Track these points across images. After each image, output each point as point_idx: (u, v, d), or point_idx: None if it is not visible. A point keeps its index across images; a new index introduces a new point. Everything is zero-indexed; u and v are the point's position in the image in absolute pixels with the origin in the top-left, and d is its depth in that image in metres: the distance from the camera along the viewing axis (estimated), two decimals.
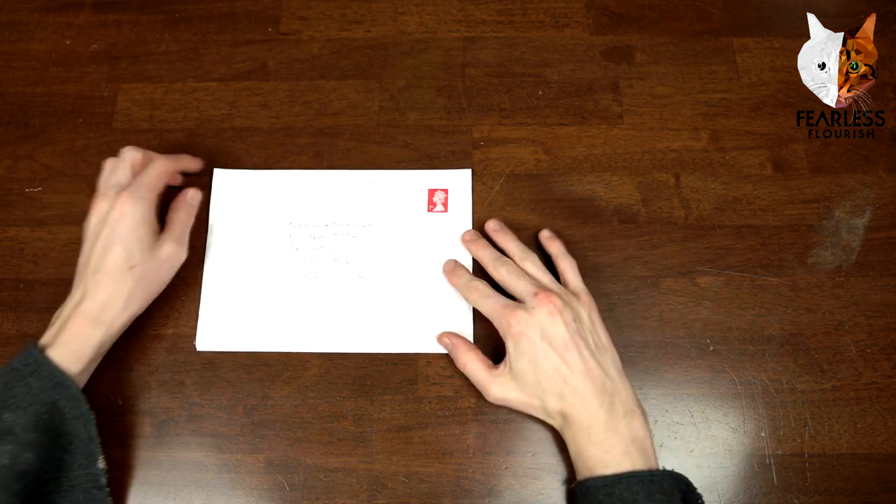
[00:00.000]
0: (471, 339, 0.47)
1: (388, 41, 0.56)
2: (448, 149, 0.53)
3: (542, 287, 0.43)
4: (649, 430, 0.42)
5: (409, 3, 0.58)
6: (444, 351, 0.47)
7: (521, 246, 0.47)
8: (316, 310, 0.48)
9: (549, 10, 0.57)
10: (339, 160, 0.52)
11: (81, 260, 0.44)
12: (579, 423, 0.41)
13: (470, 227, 0.50)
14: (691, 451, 0.45)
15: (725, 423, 0.46)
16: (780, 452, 0.45)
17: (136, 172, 0.46)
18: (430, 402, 0.46)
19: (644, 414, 0.42)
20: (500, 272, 0.45)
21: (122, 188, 0.44)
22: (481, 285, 0.45)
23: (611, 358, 0.43)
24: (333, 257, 0.49)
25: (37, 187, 0.52)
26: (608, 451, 0.40)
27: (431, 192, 0.51)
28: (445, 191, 0.51)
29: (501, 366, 0.44)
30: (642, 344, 0.48)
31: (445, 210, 0.51)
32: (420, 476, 0.45)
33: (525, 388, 0.43)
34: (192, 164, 0.50)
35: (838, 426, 0.46)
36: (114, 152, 0.52)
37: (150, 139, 0.53)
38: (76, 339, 0.41)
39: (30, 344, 0.41)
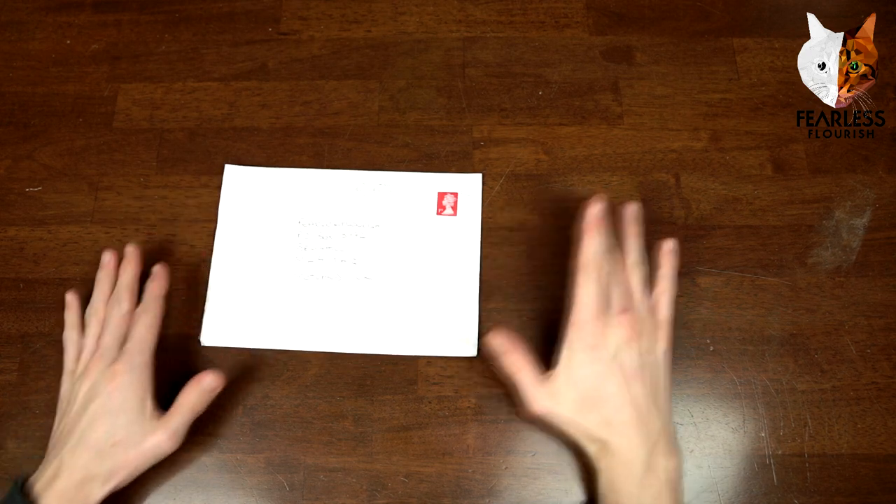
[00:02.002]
0: (475, 343, 0.47)
1: (388, 41, 0.56)
2: (448, 149, 0.53)
3: (629, 308, 0.42)
4: (682, 475, 0.41)
5: (409, 3, 0.58)
6: (446, 354, 0.47)
7: (641, 250, 0.45)
8: (322, 309, 0.48)
9: (549, 10, 0.57)
10: (339, 160, 0.52)
11: (60, 425, 0.41)
12: (619, 455, 0.40)
13: (478, 231, 0.50)
14: (691, 451, 0.45)
15: (725, 423, 0.46)
16: (780, 452, 0.45)
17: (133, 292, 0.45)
18: (430, 402, 0.46)
19: (680, 457, 0.41)
20: (602, 270, 0.42)
21: (116, 351, 0.42)
22: (604, 269, 0.41)
23: (665, 399, 0.42)
24: (341, 258, 0.49)
25: (37, 187, 0.52)
26: (644, 489, 0.39)
27: (441, 196, 0.51)
28: (455, 194, 0.51)
29: (554, 374, 0.42)
30: None
31: (455, 213, 0.51)
32: (420, 476, 0.45)
33: (576, 402, 0.41)
34: (161, 285, 0.46)
35: (838, 426, 0.46)
36: (114, 152, 0.53)
37: (150, 139, 0.53)
38: None
39: (14, 489, 0.39)
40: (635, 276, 0.44)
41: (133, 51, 0.56)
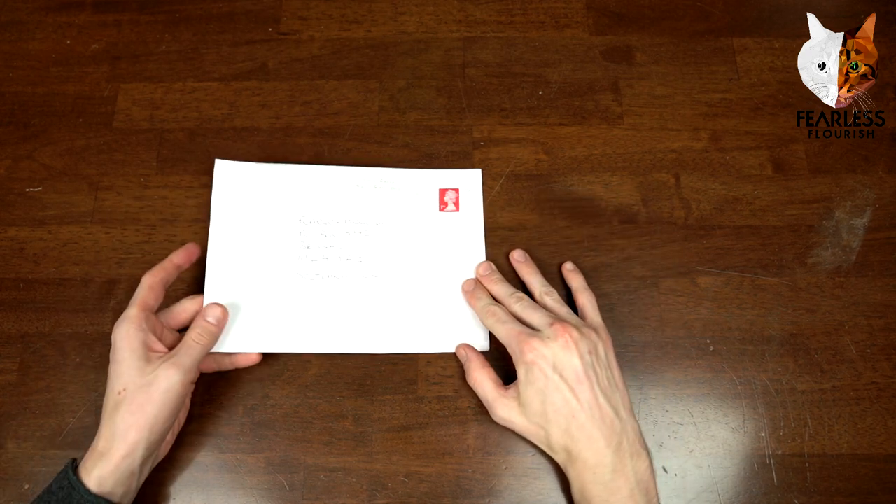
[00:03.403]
0: (486, 341, 0.47)
1: (388, 41, 0.56)
2: (448, 149, 0.53)
3: (558, 318, 0.43)
4: (654, 473, 0.41)
5: (409, 4, 0.58)
6: (451, 350, 0.47)
7: (543, 280, 0.47)
8: (330, 310, 0.47)
9: (549, 10, 0.57)
10: (339, 160, 0.52)
11: None
12: (584, 461, 0.40)
13: (482, 225, 0.50)
14: (691, 451, 0.45)
15: (725, 423, 0.46)
16: (780, 452, 0.45)
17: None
18: (430, 402, 0.46)
19: (650, 456, 0.41)
20: (515, 307, 0.45)
21: None
22: (499, 310, 0.45)
23: (621, 397, 0.42)
24: (346, 256, 0.49)
25: (37, 187, 0.52)
26: (613, 493, 0.39)
27: (443, 192, 0.51)
28: (457, 190, 0.51)
29: (512, 388, 0.43)
30: (642, 344, 0.48)
31: (457, 209, 0.50)
32: (420, 476, 0.45)
33: (531, 416, 0.42)
34: (182, 258, 0.45)
35: (838, 426, 0.46)
36: (114, 152, 0.53)
37: (150, 139, 0.53)
38: (84, 478, 0.38)
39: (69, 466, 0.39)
40: (547, 300, 0.46)
41: (133, 51, 0.56)
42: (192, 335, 0.42)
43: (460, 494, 0.44)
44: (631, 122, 0.54)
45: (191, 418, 0.46)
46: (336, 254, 0.49)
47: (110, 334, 0.42)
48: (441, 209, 0.50)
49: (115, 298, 0.48)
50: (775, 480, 0.45)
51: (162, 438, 0.41)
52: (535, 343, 0.41)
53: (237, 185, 0.50)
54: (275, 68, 0.55)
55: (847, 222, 0.51)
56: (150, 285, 0.43)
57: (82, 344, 0.47)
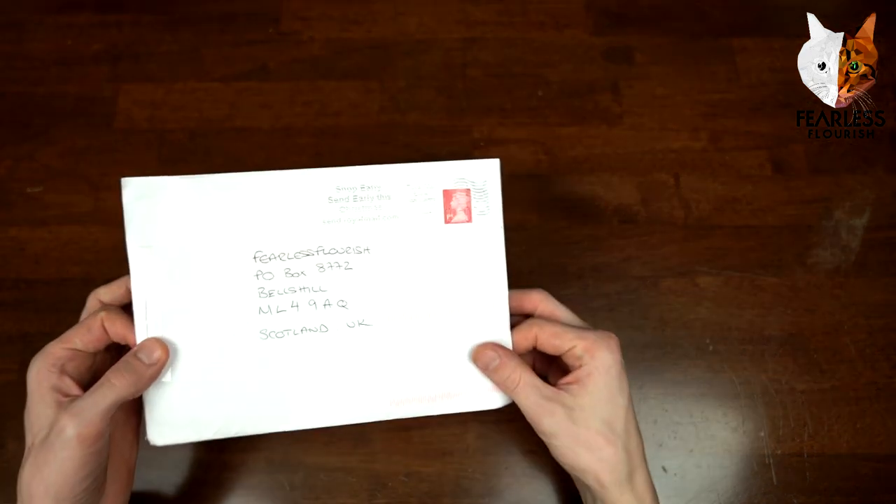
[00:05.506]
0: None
1: (388, 42, 0.56)
2: (448, 149, 0.53)
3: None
4: None
5: (410, 4, 0.58)
6: (484, 407, 0.38)
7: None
8: (309, 376, 0.37)
9: (549, 11, 0.57)
10: (339, 160, 0.52)
11: None
12: (644, 472, 0.36)
13: (502, 240, 0.38)
14: (691, 450, 0.45)
15: (725, 423, 0.46)
16: (779, 452, 0.45)
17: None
18: None
19: None
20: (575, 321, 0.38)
21: None
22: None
23: None
24: (323, 300, 0.36)
25: (37, 187, 0.52)
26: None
27: (448, 195, 0.38)
28: (467, 191, 0.37)
29: (565, 388, 0.35)
30: (642, 344, 0.48)
31: (469, 219, 0.37)
32: (420, 475, 0.45)
33: (593, 421, 0.34)
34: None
35: (837, 426, 0.46)
36: (115, 152, 0.53)
37: (150, 139, 0.53)
38: None
39: None
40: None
41: (134, 51, 0.56)
42: (109, 374, 0.32)
43: (460, 494, 0.44)
44: (631, 122, 0.54)
45: None
46: (308, 298, 0.36)
47: None
48: (447, 220, 0.37)
49: None
50: (775, 480, 0.45)
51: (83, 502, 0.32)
52: (610, 340, 0.35)
53: (162, 213, 0.35)
54: (275, 68, 0.55)
55: (846, 222, 0.51)
56: (77, 327, 0.34)
57: None
